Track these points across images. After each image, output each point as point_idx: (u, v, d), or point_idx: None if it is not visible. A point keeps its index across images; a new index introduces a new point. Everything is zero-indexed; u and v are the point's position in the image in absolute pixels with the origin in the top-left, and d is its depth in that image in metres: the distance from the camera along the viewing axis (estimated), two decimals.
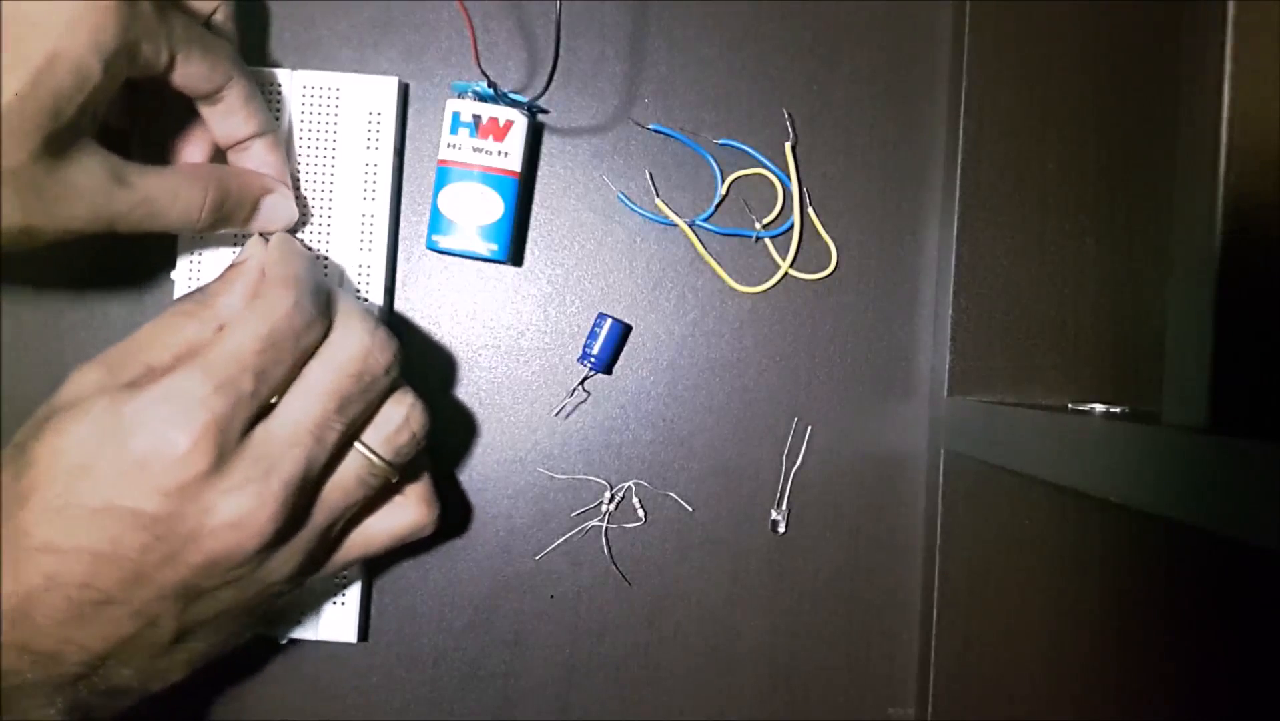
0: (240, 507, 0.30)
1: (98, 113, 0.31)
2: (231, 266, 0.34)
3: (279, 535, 0.31)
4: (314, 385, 0.31)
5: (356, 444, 0.33)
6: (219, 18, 0.35)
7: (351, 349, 0.32)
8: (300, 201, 0.39)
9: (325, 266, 0.40)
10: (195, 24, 0.33)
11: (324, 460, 0.32)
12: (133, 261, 0.41)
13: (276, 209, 0.37)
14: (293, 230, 0.39)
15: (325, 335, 0.32)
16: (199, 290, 0.33)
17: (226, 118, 0.36)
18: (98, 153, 0.31)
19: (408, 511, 0.36)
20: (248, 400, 0.30)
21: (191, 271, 0.39)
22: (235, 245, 0.39)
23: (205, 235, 0.39)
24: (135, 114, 0.37)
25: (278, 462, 0.30)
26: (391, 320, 0.42)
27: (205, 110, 0.35)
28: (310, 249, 0.40)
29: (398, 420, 0.34)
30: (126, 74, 0.31)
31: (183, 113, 0.36)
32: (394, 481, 0.35)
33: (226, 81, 0.34)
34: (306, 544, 0.32)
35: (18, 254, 0.31)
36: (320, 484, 0.32)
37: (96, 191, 0.31)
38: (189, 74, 0.33)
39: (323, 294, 0.33)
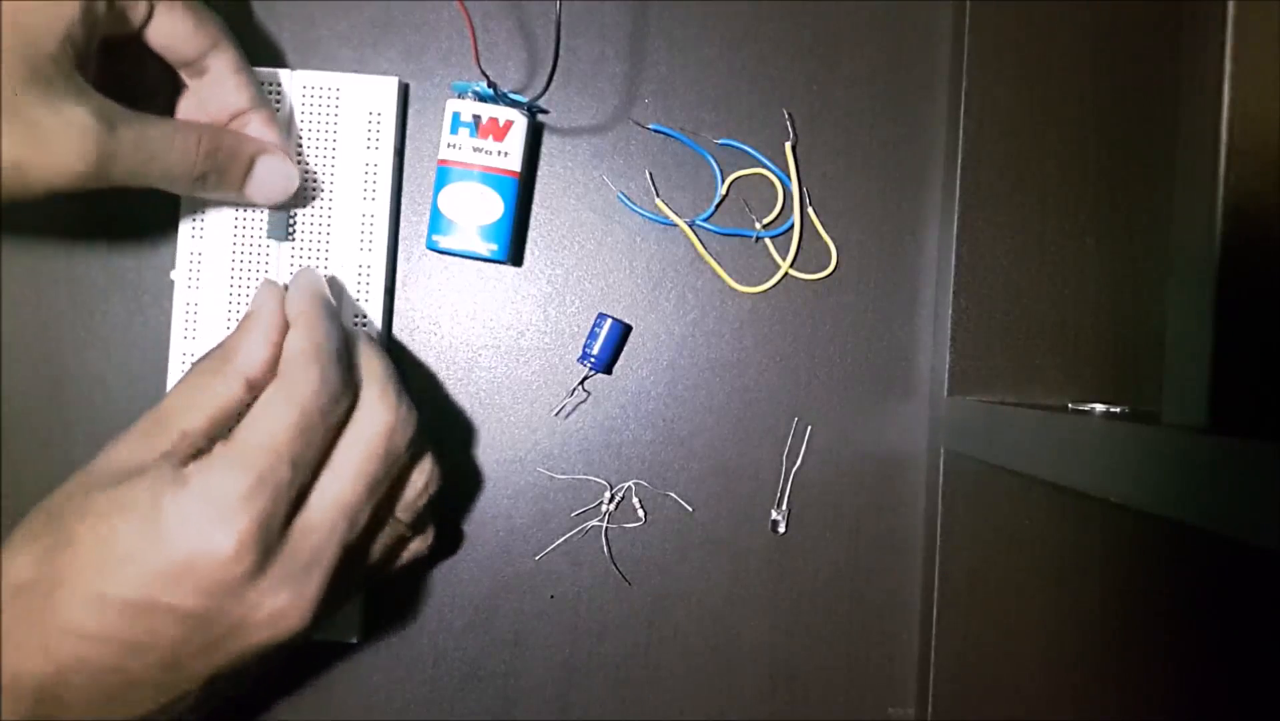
0: (282, 604, 0.30)
1: (84, 50, 0.31)
2: (247, 316, 0.33)
3: (317, 618, 0.31)
4: (345, 469, 0.31)
5: (390, 516, 0.34)
6: None
7: (376, 427, 0.32)
8: (302, 180, 0.39)
9: (331, 282, 0.39)
10: None
11: (358, 541, 0.32)
12: (134, 261, 0.41)
13: (273, 173, 0.37)
14: (292, 205, 0.38)
15: (353, 404, 0.32)
16: (218, 347, 0.33)
17: (215, 87, 0.35)
18: (89, 91, 0.31)
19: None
20: (286, 491, 0.30)
21: (192, 270, 0.39)
22: (235, 239, 0.39)
23: (206, 230, 0.39)
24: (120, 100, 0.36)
25: (317, 556, 0.30)
26: (391, 321, 0.42)
27: (194, 83, 0.35)
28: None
29: (420, 486, 0.35)
30: (104, 11, 0.31)
31: (168, 98, 0.36)
32: (410, 536, 0.36)
33: (211, 46, 0.34)
34: (335, 608, 0.33)
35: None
36: (356, 556, 0.33)
37: (88, 128, 0.30)
38: (170, 31, 0.32)
39: (345, 357, 0.32)
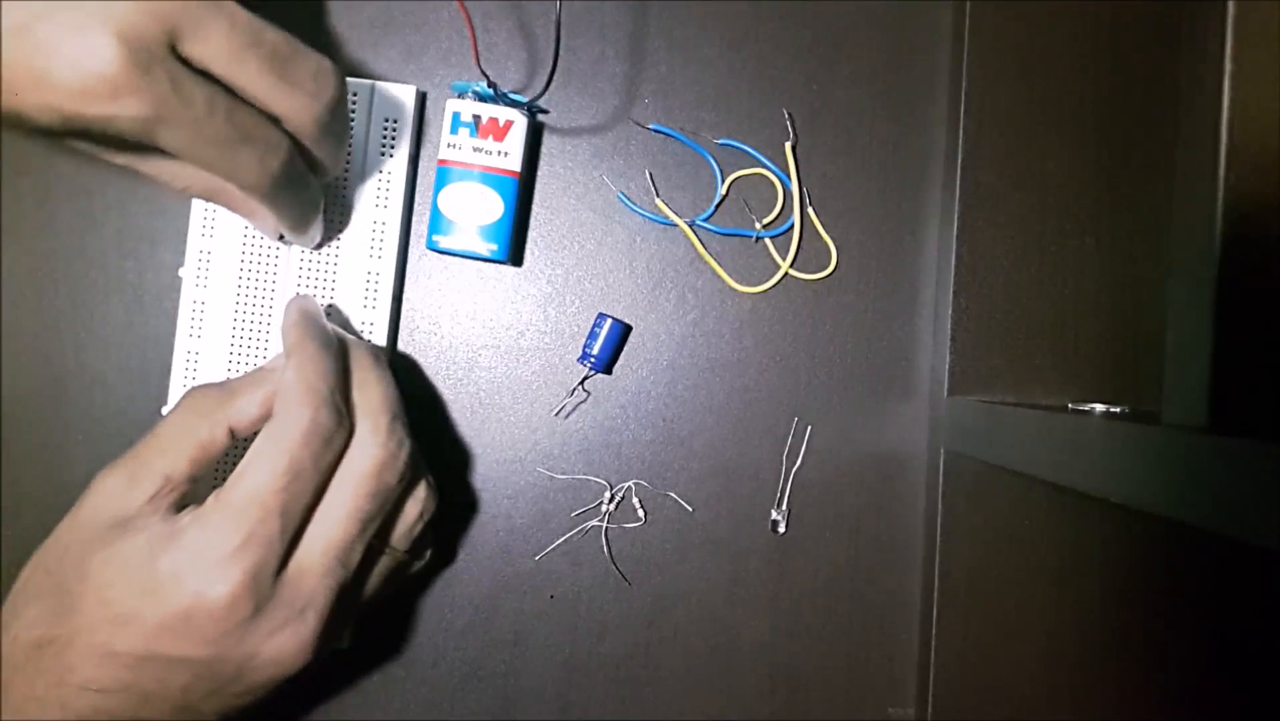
0: (281, 647, 0.31)
1: None
2: (260, 371, 0.34)
3: (318, 654, 0.32)
4: (336, 510, 0.32)
5: (386, 546, 0.34)
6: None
7: (367, 465, 0.32)
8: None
9: (330, 310, 0.39)
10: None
11: (352, 578, 0.33)
12: (134, 261, 0.41)
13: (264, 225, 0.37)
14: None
15: (348, 440, 0.32)
16: (222, 384, 0.33)
17: None
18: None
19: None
20: (277, 542, 0.30)
21: (200, 268, 0.39)
22: (246, 238, 0.39)
23: (216, 227, 0.39)
24: None
25: (312, 598, 0.31)
26: (398, 330, 0.42)
27: None
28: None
29: (413, 516, 0.35)
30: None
31: None
32: (410, 561, 0.36)
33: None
34: (335, 640, 0.34)
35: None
36: (353, 591, 0.34)
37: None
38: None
39: (340, 391, 0.32)
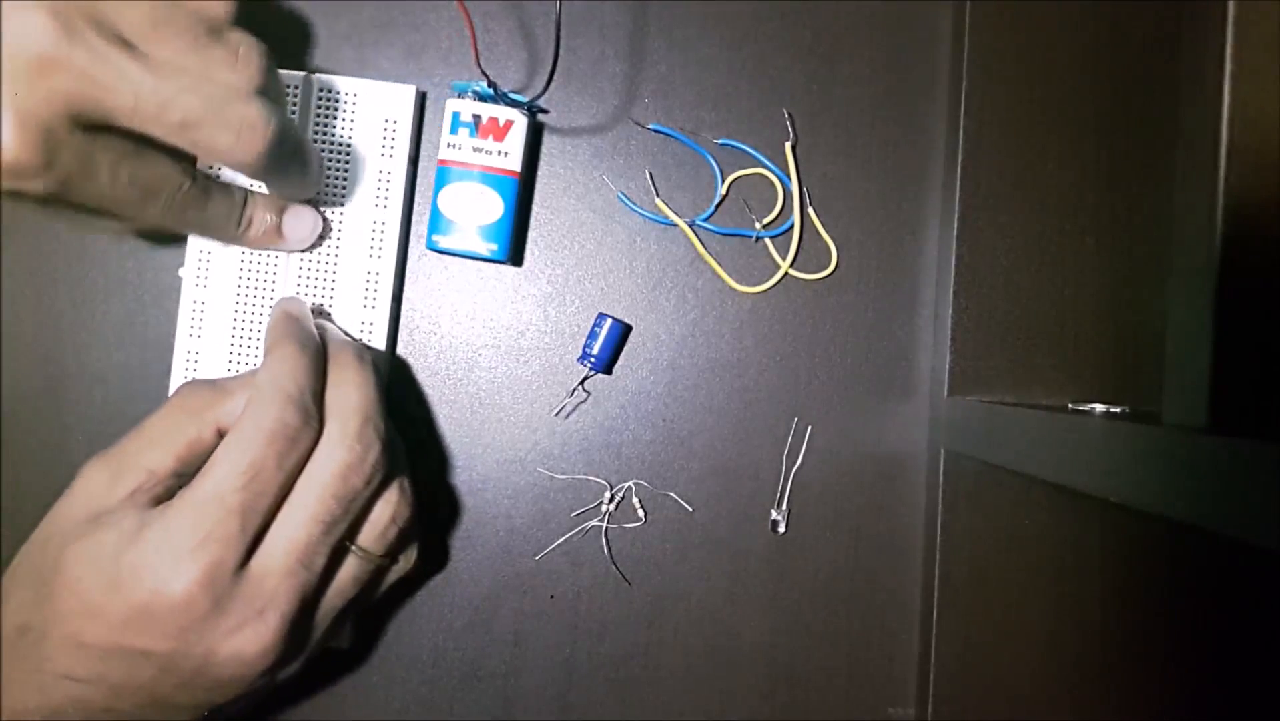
0: (241, 647, 0.31)
1: None
2: (254, 373, 0.34)
3: (283, 658, 0.32)
4: (299, 512, 0.31)
5: (352, 547, 0.34)
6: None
7: (332, 468, 0.32)
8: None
9: (328, 314, 0.39)
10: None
11: (317, 581, 0.32)
12: (134, 261, 0.41)
13: (301, 221, 0.39)
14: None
15: (317, 441, 0.32)
16: (215, 382, 0.34)
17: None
18: None
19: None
20: (236, 541, 0.30)
21: (200, 268, 0.39)
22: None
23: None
24: None
25: (272, 599, 0.31)
26: (397, 331, 0.42)
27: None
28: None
29: (386, 519, 0.34)
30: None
31: None
32: (387, 565, 0.36)
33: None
34: (306, 643, 0.34)
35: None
36: (319, 594, 0.33)
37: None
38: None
39: (311, 393, 0.32)
